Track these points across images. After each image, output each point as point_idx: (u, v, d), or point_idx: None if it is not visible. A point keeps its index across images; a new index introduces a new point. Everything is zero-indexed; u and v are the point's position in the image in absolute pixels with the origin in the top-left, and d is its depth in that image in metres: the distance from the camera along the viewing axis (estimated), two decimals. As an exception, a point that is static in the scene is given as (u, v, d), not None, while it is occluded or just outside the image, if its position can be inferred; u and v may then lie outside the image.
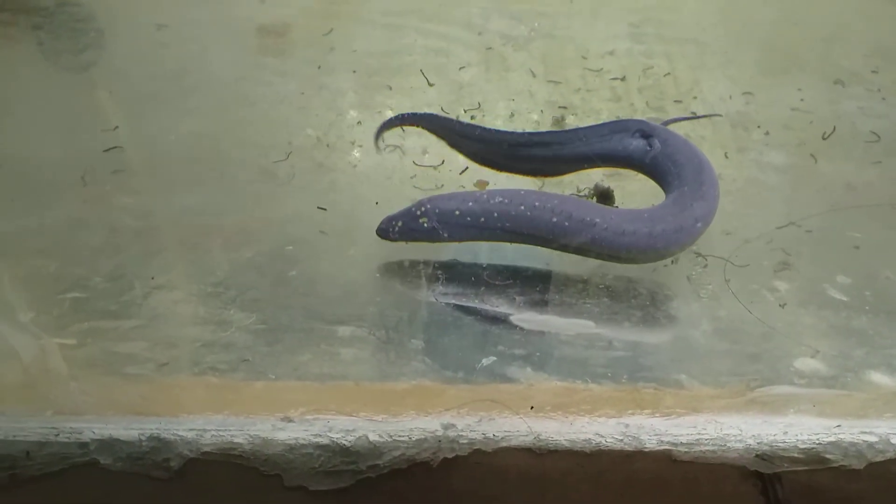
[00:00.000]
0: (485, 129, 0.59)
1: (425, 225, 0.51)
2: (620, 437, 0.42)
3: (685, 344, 0.50)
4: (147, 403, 0.44)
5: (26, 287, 0.52)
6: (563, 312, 0.51)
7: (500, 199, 0.51)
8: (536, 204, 0.51)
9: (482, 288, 0.53)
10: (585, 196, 0.61)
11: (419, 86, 0.78)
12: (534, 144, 0.58)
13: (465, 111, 0.74)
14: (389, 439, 0.42)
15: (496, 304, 0.51)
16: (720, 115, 0.65)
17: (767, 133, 0.72)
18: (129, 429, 0.42)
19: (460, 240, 0.53)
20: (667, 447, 0.42)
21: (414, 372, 0.46)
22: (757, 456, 0.42)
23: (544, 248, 0.53)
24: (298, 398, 0.44)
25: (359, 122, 0.73)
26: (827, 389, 0.46)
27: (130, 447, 0.41)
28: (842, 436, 0.42)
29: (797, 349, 0.49)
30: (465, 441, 0.42)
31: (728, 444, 0.42)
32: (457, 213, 0.51)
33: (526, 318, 0.50)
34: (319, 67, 0.81)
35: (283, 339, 0.48)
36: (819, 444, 0.42)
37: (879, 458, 0.42)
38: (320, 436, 0.42)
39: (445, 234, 0.52)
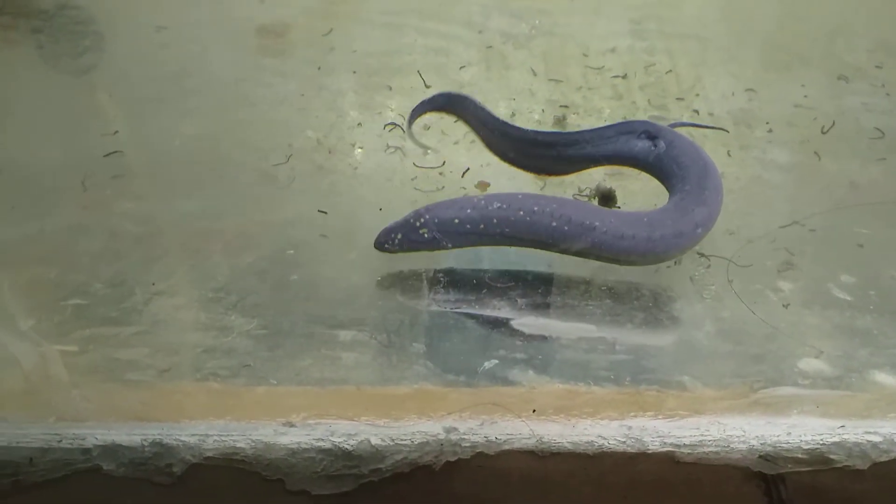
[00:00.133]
0: (509, 124, 0.59)
1: (425, 235, 0.51)
2: (623, 440, 0.42)
3: (688, 345, 0.49)
4: (149, 409, 0.44)
5: (27, 294, 0.52)
6: (566, 314, 0.51)
7: (499, 204, 0.51)
8: (535, 209, 0.51)
9: (484, 290, 0.53)
10: (587, 197, 0.61)
11: (420, 86, 0.78)
12: (552, 145, 0.57)
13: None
14: (392, 443, 0.42)
15: (498, 307, 0.51)
16: (727, 131, 0.65)
17: (770, 130, 0.72)
18: (131, 434, 0.42)
19: (461, 246, 0.53)
20: (670, 449, 0.42)
21: (416, 375, 0.46)
22: (760, 457, 0.42)
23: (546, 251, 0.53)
24: (300, 403, 0.44)
25: (359, 124, 0.72)
26: (831, 390, 0.46)
27: (133, 453, 0.41)
28: (846, 436, 0.42)
29: (801, 350, 0.48)
30: (468, 444, 0.42)
31: (731, 446, 0.42)
32: (456, 221, 0.51)
33: (528, 321, 0.50)
34: (319, 68, 0.81)
35: (284, 343, 0.48)
36: (823, 444, 0.42)
37: (884, 459, 0.42)
38: (322, 440, 0.42)
39: (446, 243, 0.52)
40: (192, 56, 0.84)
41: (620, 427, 0.43)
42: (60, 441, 0.41)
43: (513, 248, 0.54)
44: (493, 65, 0.83)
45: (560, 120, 0.73)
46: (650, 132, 0.56)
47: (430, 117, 0.72)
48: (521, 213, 0.50)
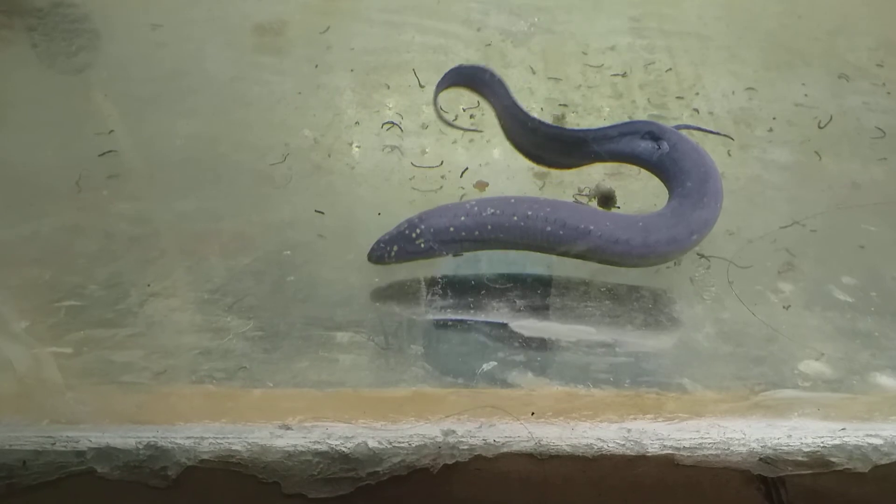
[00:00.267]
0: (525, 113, 0.58)
1: (422, 245, 0.51)
2: (622, 442, 0.42)
3: (688, 347, 0.49)
4: (144, 412, 0.43)
5: (21, 296, 0.51)
6: (565, 316, 0.51)
7: (492, 210, 0.51)
8: (529, 213, 0.51)
9: (483, 292, 0.52)
10: (587, 197, 0.61)
11: (418, 84, 0.77)
12: (558, 137, 0.57)
13: (465, 110, 0.73)
14: (389, 446, 0.41)
15: (497, 309, 0.51)
16: (732, 139, 0.65)
17: (771, 130, 0.71)
18: (126, 437, 0.41)
19: (459, 253, 0.53)
20: (669, 451, 0.42)
21: (413, 378, 0.46)
22: (761, 460, 0.42)
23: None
24: (297, 405, 0.44)
25: (356, 123, 0.72)
26: (832, 392, 0.46)
27: (128, 455, 0.41)
28: (847, 439, 0.42)
29: (802, 352, 0.48)
30: (466, 447, 0.41)
31: (731, 448, 0.42)
32: (451, 229, 0.51)
33: (526, 323, 0.50)
34: (317, 66, 0.80)
35: (281, 345, 0.48)
36: (824, 447, 0.42)
37: (885, 461, 0.42)
38: (319, 443, 0.41)
39: (443, 251, 0.52)
40: (188, 54, 0.83)
41: (620, 430, 0.42)
42: (54, 444, 0.41)
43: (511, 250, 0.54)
44: (492, 63, 0.82)
45: (559, 119, 0.73)
46: (654, 133, 0.55)
47: (428, 115, 0.72)
48: (515, 218, 0.50)
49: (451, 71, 0.63)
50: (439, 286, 0.53)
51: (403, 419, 0.43)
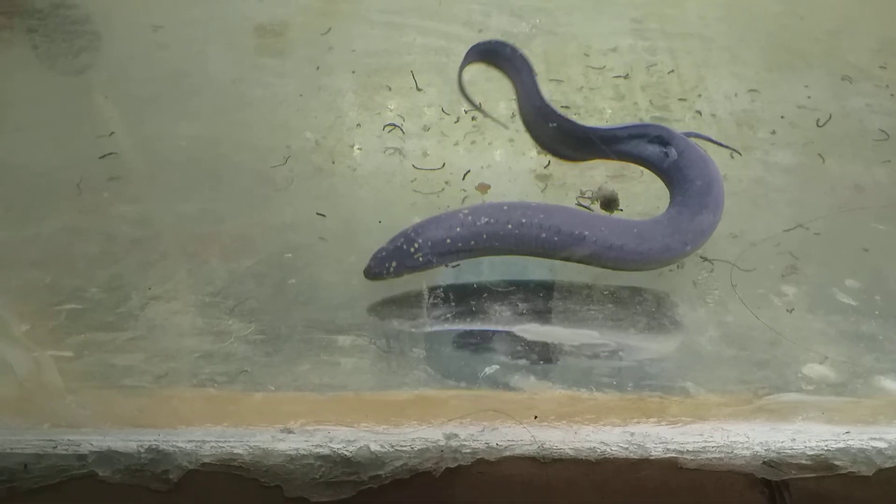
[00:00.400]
0: (542, 98, 0.58)
1: (420, 259, 0.51)
2: (626, 446, 0.42)
3: (691, 351, 0.49)
4: (145, 416, 0.43)
5: (21, 299, 0.51)
6: (568, 320, 0.51)
7: (486, 219, 0.51)
8: (523, 221, 0.51)
9: (485, 295, 0.52)
10: (590, 199, 0.61)
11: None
12: (575, 133, 0.57)
13: (466, 112, 0.73)
14: (391, 449, 0.41)
15: (499, 312, 0.51)
16: (740, 153, 0.65)
17: (774, 132, 0.71)
18: (127, 441, 0.41)
19: (456, 264, 0.53)
20: (673, 455, 0.42)
21: (416, 381, 0.46)
22: (764, 463, 0.42)
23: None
24: (298, 409, 0.44)
25: (358, 125, 0.72)
26: (836, 396, 0.45)
27: (129, 459, 0.41)
28: (851, 442, 0.42)
29: (805, 355, 0.48)
30: (468, 450, 0.41)
31: (735, 452, 0.42)
32: (448, 241, 0.51)
33: (529, 326, 0.50)
34: (318, 68, 0.80)
35: (282, 349, 0.48)
36: (827, 450, 0.42)
37: (889, 465, 0.42)
38: (321, 446, 0.41)
39: (441, 263, 0.52)
40: (190, 56, 0.83)
41: (623, 433, 0.42)
42: (55, 447, 0.41)
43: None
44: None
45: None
46: (663, 138, 0.55)
47: (430, 117, 0.72)
48: (510, 226, 0.51)
49: (473, 48, 0.62)
50: (441, 289, 0.53)
51: (406, 423, 0.42)
